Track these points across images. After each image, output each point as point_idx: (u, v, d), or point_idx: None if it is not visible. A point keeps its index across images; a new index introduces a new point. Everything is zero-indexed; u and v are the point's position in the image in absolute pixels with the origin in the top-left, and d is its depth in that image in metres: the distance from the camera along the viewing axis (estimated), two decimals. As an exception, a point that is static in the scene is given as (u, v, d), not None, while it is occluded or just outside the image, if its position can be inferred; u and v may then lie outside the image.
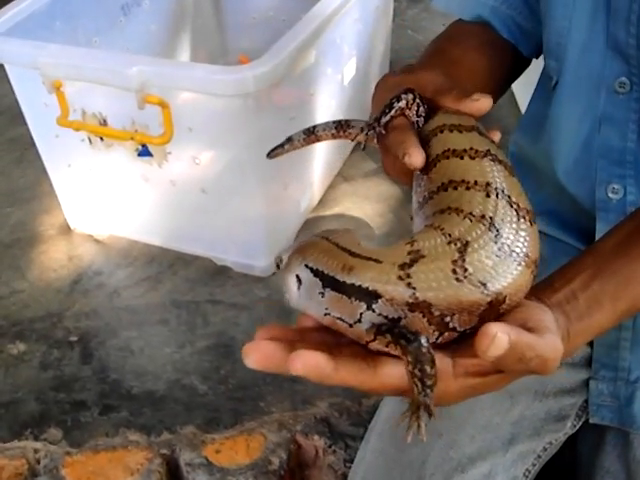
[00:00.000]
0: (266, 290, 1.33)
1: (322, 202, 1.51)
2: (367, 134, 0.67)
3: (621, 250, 0.59)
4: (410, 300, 0.47)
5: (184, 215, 1.32)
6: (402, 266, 0.48)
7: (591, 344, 0.88)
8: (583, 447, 0.94)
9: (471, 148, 0.56)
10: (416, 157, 0.56)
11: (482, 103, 0.60)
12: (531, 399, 0.90)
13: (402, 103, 0.60)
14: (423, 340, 0.46)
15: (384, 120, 0.61)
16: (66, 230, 1.47)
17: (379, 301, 0.48)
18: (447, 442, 0.89)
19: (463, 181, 0.53)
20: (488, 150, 0.56)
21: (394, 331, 0.47)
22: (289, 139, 0.75)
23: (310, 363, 0.47)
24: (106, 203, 1.38)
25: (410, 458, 0.89)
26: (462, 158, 0.56)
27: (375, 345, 0.49)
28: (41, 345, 1.25)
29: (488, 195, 0.52)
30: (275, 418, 1.12)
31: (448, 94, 0.62)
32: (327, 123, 0.72)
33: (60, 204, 1.45)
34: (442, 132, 0.59)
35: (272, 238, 1.32)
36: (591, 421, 0.89)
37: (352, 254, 0.49)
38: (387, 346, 0.48)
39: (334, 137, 0.73)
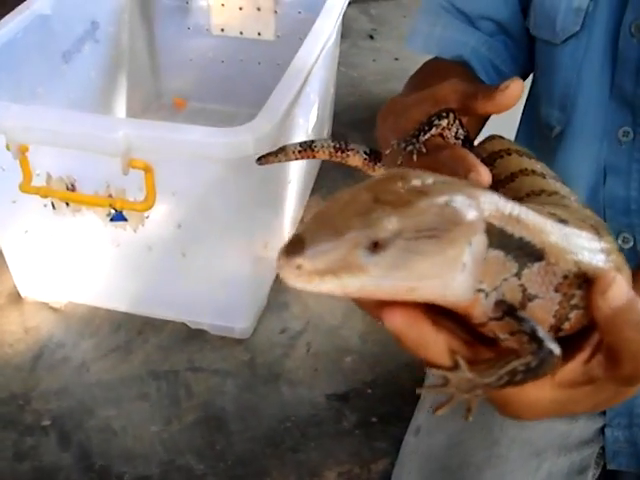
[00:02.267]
0: (248, 353, 1.27)
1: (288, 253, 1.46)
2: (369, 158, 0.66)
3: None
4: (574, 269, 0.40)
5: (157, 279, 1.24)
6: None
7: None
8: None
9: (534, 170, 0.53)
10: (485, 173, 0.51)
11: (514, 89, 0.55)
12: (556, 455, 0.90)
13: (444, 122, 0.56)
14: (557, 350, 0.39)
15: (423, 138, 0.55)
16: (16, 298, 1.35)
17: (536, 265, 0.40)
18: (484, 510, 0.87)
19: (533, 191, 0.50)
20: (547, 172, 0.54)
21: (526, 322, 0.40)
22: (283, 149, 0.72)
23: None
24: (65, 269, 1.28)
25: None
26: (528, 175, 0.52)
27: (492, 327, 0.41)
28: (10, 432, 1.14)
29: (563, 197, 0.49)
30: (285, 494, 1.06)
31: (475, 97, 0.56)
32: (326, 140, 0.69)
33: (9, 270, 1.32)
34: (502, 157, 0.55)
35: (252, 298, 1.27)
36: (609, 467, 0.90)
37: None
38: (510, 334, 0.40)
39: (330, 156, 0.70)
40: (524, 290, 0.40)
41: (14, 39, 1.26)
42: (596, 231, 0.43)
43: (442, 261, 0.36)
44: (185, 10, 1.73)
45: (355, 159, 0.68)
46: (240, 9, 1.70)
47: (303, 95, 1.19)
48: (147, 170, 1.04)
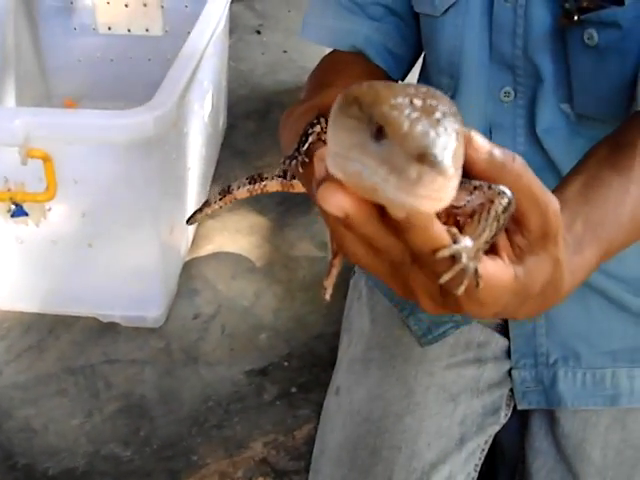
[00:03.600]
0: (163, 340, 1.28)
1: (195, 242, 1.47)
2: (284, 178, 0.67)
3: (583, 196, 0.59)
4: None
5: (65, 274, 1.23)
6: None
7: (508, 337, 0.95)
8: (505, 435, 1.00)
9: None
10: None
11: None
12: (469, 398, 0.96)
13: (317, 128, 0.58)
14: (506, 189, 0.43)
15: (304, 148, 0.59)
16: None
17: None
18: (407, 454, 0.92)
19: None
20: None
21: (475, 180, 0.44)
22: (206, 202, 0.75)
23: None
24: (-34, 273, 1.25)
25: (375, 477, 0.91)
26: None
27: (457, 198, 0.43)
28: None
29: None
30: (214, 469, 1.08)
31: None
32: (240, 180, 0.72)
33: None
34: None
35: (162, 286, 1.27)
36: (519, 407, 0.96)
37: None
38: (470, 194, 0.44)
39: (250, 193, 0.72)
40: None
41: None
42: None
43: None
44: (70, 10, 1.71)
45: (273, 185, 0.69)
46: (126, 6, 1.70)
47: (196, 81, 1.21)
48: (46, 159, 1.03)
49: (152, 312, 1.27)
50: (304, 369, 1.22)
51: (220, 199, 0.73)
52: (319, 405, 1.06)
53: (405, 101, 0.37)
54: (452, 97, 0.86)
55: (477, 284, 0.43)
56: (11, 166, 1.04)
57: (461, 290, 0.43)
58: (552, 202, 0.46)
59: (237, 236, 1.50)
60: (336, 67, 0.88)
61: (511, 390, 0.97)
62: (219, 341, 1.28)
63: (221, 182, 1.63)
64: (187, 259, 1.43)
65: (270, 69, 2.13)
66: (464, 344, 0.98)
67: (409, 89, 0.39)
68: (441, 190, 0.37)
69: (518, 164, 0.44)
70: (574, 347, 0.92)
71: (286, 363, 1.24)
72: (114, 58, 1.75)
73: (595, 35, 0.72)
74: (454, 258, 0.42)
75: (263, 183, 0.70)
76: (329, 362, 1.13)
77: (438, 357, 0.97)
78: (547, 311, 0.73)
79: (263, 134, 1.80)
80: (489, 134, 0.85)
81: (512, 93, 0.82)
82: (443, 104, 0.38)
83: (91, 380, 1.21)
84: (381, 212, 0.41)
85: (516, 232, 0.46)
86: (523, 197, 0.45)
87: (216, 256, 1.45)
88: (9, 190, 1.10)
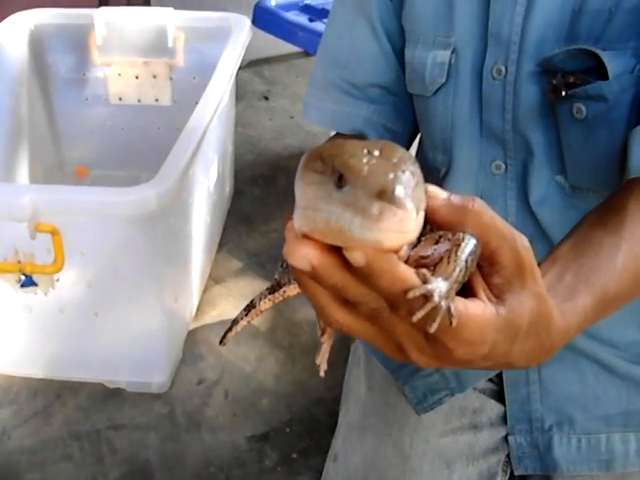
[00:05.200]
0: (167, 405, 1.30)
1: (200, 309, 1.51)
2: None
3: (574, 253, 0.61)
4: None
5: (72, 341, 1.26)
6: None
7: (504, 402, 0.96)
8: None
9: None
10: None
11: None
12: (465, 465, 0.96)
13: None
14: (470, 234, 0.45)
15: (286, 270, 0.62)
16: None
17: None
18: (397, 521, 0.92)
19: None
20: None
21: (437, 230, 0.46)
22: (234, 321, 0.77)
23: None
24: (-23, 340, 1.29)
25: None
26: None
27: (422, 246, 0.47)
28: None
29: None
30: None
31: None
32: (262, 292, 0.73)
33: None
34: None
35: (167, 353, 1.30)
36: (516, 473, 0.96)
37: None
38: (436, 243, 0.46)
39: (273, 302, 0.73)
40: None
41: None
42: None
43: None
44: (83, 81, 1.78)
45: (292, 289, 0.69)
46: (136, 77, 1.77)
47: (201, 153, 1.25)
48: (54, 233, 1.07)
49: (157, 378, 1.30)
50: (305, 434, 1.24)
51: (246, 314, 0.73)
52: (319, 471, 1.07)
53: (363, 150, 0.41)
54: (446, 172, 0.89)
55: (451, 322, 0.44)
56: (21, 238, 1.08)
57: (434, 327, 0.43)
58: (520, 236, 0.47)
59: (242, 301, 1.52)
60: None
61: (508, 455, 0.97)
62: (222, 406, 1.30)
63: (228, 248, 1.67)
64: (192, 325, 1.46)
65: (277, 134, 2.18)
66: (459, 410, 0.99)
67: (367, 142, 0.42)
68: (403, 223, 0.39)
69: (478, 204, 0.46)
70: (568, 412, 0.92)
71: (287, 428, 1.25)
72: (125, 127, 1.81)
73: (583, 108, 0.75)
74: (426, 297, 0.43)
75: (282, 290, 0.70)
76: (329, 427, 1.14)
77: (433, 424, 0.98)
78: (548, 356, 0.74)
79: (269, 199, 1.85)
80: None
81: (503, 166, 0.84)
82: (399, 151, 0.42)
83: (96, 445, 1.23)
84: (346, 262, 0.43)
85: (491, 273, 0.48)
86: (490, 234, 0.46)
87: (221, 321, 1.48)
88: (19, 261, 1.14)
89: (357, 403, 1.04)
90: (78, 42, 1.73)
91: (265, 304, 0.72)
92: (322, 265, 0.43)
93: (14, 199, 1.03)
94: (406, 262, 0.45)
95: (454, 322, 0.44)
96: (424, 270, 0.44)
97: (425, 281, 0.43)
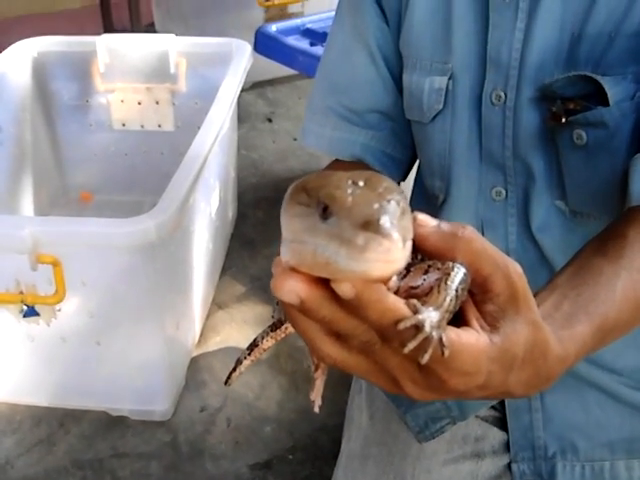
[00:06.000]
0: (170, 433, 1.30)
1: (203, 335, 1.51)
2: None
3: (572, 281, 0.61)
4: None
5: (74, 370, 1.26)
6: None
7: (506, 430, 0.96)
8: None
9: None
10: None
11: None
12: (468, 492, 0.96)
13: None
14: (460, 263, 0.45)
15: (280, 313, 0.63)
16: None
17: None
18: None
19: None
20: None
21: (428, 259, 0.46)
22: (238, 361, 0.77)
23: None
24: (-20, 369, 1.29)
25: None
26: None
27: (412, 277, 0.46)
28: None
29: None
30: None
31: None
32: (264, 330, 0.74)
33: None
34: None
35: (170, 380, 1.30)
36: (521, 500, 0.96)
37: None
38: (425, 273, 0.46)
39: (275, 339, 0.73)
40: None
41: None
42: None
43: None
44: (86, 108, 1.79)
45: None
46: (139, 103, 1.78)
47: (202, 180, 1.26)
48: (55, 264, 1.08)
49: (159, 406, 1.30)
50: (307, 462, 1.23)
51: (249, 354, 0.74)
52: (321, 500, 1.07)
53: (348, 181, 0.41)
54: (444, 200, 0.89)
55: (443, 353, 0.43)
56: (22, 269, 1.08)
57: (426, 358, 0.43)
58: (512, 263, 0.47)
59: (244, 327, 1.53)
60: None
61: (511, 484, 0.97)
62: (224, 434, 1.29)
63: (232, 272, 1.67)
64: (195, 352, 1.46)
65: (280, 156, 2.19)
66: (461, 439, 0.98)
67: (352, 173, 0.42)
68: (389, 253, 0.39)
69: (469, 231, 0.46)
70: (571, 439, 0.92)
71: (290, 456, 1.25)
72: (128, 152, 1.82)
73: (584, 135, 0.74)
74: (417, 328, 0.42)
75: (284, 327, 0.71)
76: (332, 454, 1.13)
77: (435, 453, 0.97)
78: (547, 384, 0.73)
79: (272, 222, 1.84)
80: (481, 231, 0.87)
81: (503, 192, 0.84)
82: (384, 182, 0.42)
83: (99, 474, 1.23)
84: (334, 294, 0.43)
85: (484, 301, 0.47)
86: (482, 261, 0.46)
87: (224, 347, 1.48)
88: (21, 292, 1.14)
89: (359, 431, 1.04)
90: (81, 69, 1.75)
91: (268, 342, 0.72)
92: (310, 298, 0.43)
93: (15, 231, 1.03)
94: (396, 293, 0.45)
95: (446, 352, 0.43)
96: (414, 300, 0.43)
97: (416, 311, 0.43)
